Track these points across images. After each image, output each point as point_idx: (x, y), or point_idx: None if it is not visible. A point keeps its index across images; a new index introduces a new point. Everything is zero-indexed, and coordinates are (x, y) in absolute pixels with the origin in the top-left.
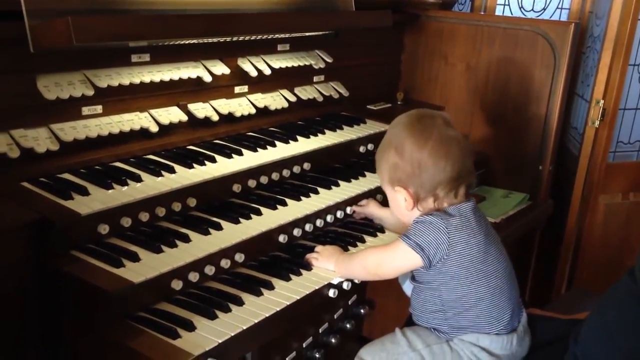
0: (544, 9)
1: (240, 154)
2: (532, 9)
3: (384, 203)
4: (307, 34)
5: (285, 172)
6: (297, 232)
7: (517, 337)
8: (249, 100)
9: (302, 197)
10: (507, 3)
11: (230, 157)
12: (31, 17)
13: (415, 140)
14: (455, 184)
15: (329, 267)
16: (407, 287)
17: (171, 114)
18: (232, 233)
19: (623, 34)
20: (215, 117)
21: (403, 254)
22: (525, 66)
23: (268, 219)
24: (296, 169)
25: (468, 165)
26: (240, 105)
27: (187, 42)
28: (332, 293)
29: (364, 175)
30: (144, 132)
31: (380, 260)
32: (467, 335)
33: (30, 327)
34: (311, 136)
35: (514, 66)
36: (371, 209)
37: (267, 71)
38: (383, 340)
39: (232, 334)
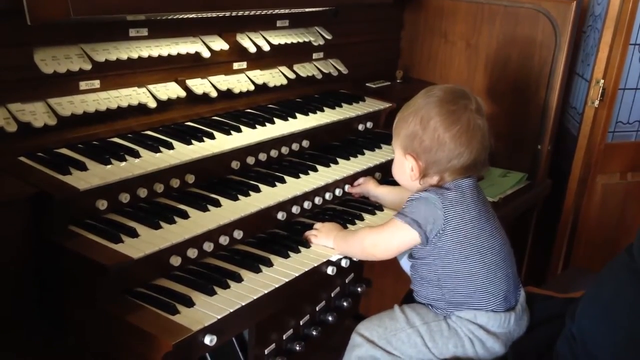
0: None
1: (238, 130)
2: None
3: (382, 181)
4: (307, 9)
5: (284, 150)
6: (295, 209)
7: (515, 316)
8: (248, 77)
9: (301, 175)
10: None
11: (228, 133)
12: None
13: (444, 120)
14: (464, 171)
15: (327, 244)
16: (405, 264)
17: (169, 90)
18: (231, 210)
19: (624, 13)
20: (214, 94)
21: (401, 231)
22: (525, 45)
23: (266, 196)
24: (295, 147)
25: (483, 158)
26: (239, 82)
27: (186, 16)
28: (330, 270)
29: (363, 153)
30: (142, 108)
31: (377, 241)
32: (464, 312)
33: (29, 303)
34: (310, 114)
35: (515, 45)
36: (369, 187)
37: (266, 47)
38: (381, 316)
39: (231, 310)
